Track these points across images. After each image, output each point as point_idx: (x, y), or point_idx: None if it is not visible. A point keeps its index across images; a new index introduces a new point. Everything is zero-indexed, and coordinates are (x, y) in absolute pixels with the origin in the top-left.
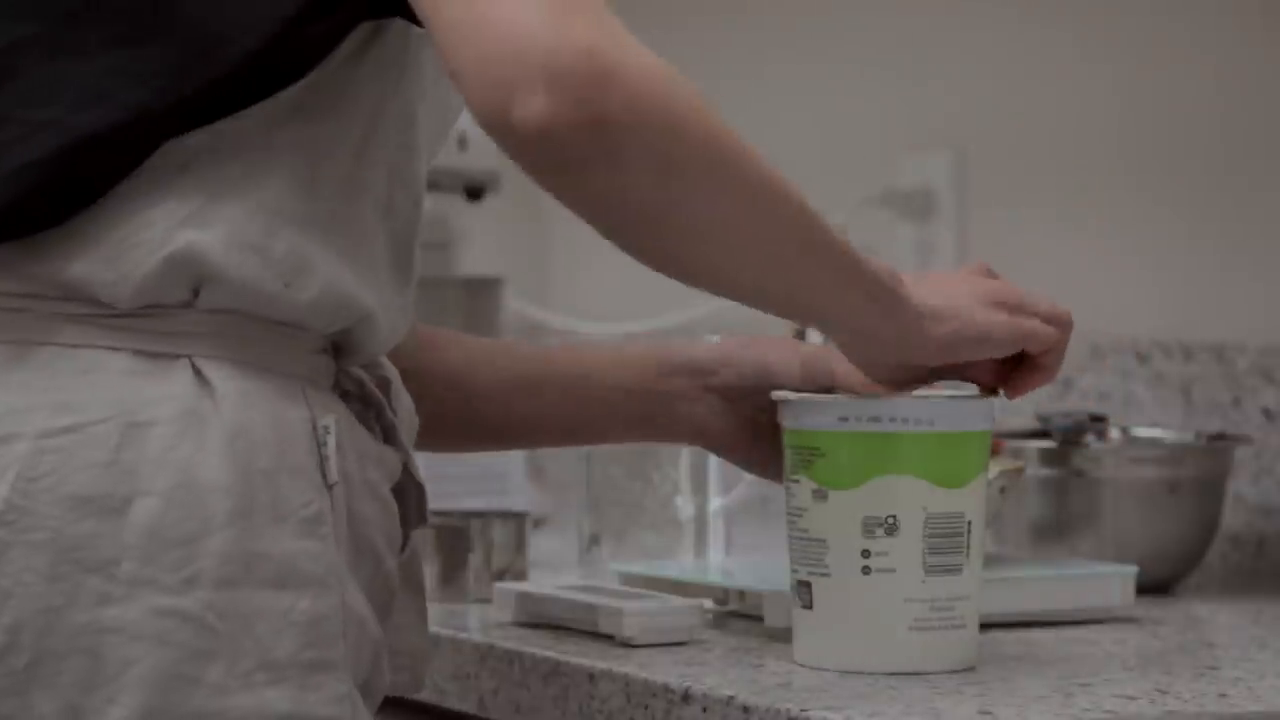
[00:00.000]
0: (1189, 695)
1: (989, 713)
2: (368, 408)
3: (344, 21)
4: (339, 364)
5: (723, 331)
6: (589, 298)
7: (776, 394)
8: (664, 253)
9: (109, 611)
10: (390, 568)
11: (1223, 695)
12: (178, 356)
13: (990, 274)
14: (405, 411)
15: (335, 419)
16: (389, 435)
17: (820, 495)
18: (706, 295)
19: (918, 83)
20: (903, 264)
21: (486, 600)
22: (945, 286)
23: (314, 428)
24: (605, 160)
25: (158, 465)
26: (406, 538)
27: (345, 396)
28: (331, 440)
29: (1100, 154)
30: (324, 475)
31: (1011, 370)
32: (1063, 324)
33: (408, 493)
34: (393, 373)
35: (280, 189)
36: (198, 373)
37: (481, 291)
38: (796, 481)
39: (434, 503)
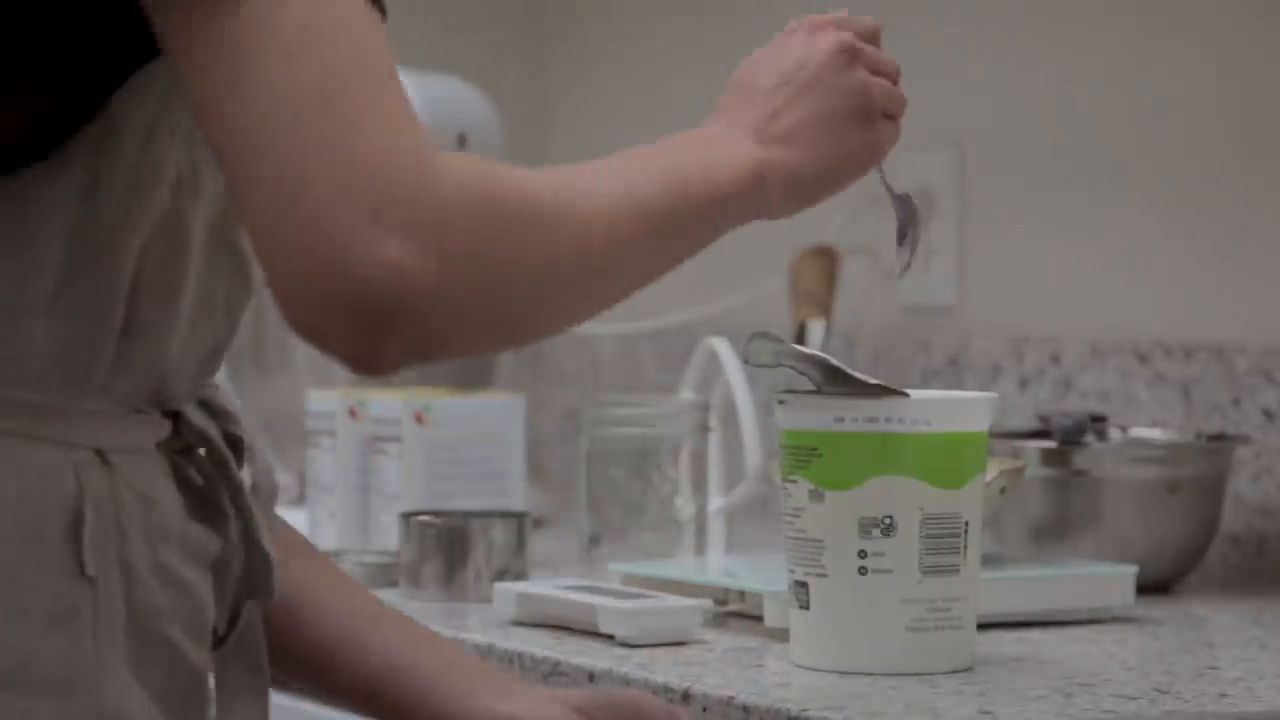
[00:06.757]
0: (1189, 695)
1: (989, 713)
2: (220, 468)
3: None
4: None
5: (721, 334)
6: None
7: (776, 393)
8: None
9: None
10: (196, 660)
11: (1223, 695)
12: None
13: (817, 29)
14: (262, 475)
15: (111, 501)
16: (236, 499)
17: (817, 495)
18: (708, 296)
19: (918, 83)
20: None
21: (486, 600)
22: (807, 115)
23: (78, 511)
24: (411, 360)
25: None
26: (237, 614)
27: (186, 453)
28: (88, 529)
29: (1101, 154)
30: (82, 566)
31: None
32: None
33: (254, 562)
34: (248, 434)
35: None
36: None
37: None
38: (794, 482)
39: (434, 503)
